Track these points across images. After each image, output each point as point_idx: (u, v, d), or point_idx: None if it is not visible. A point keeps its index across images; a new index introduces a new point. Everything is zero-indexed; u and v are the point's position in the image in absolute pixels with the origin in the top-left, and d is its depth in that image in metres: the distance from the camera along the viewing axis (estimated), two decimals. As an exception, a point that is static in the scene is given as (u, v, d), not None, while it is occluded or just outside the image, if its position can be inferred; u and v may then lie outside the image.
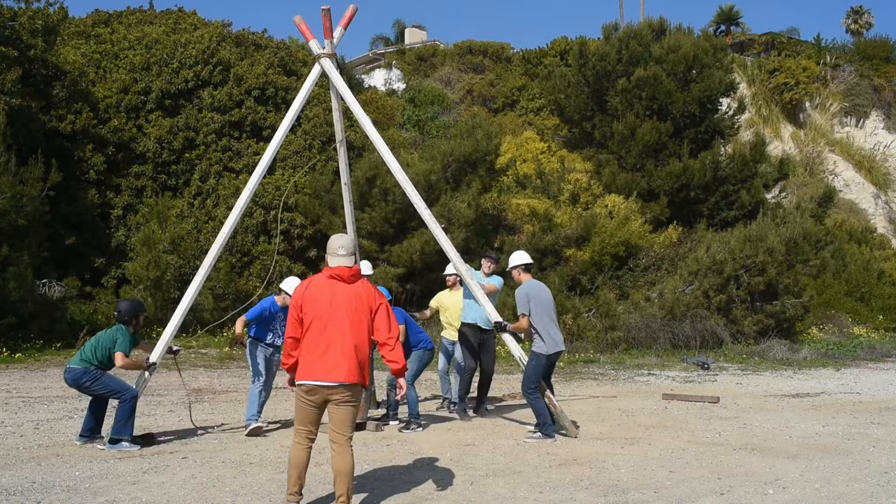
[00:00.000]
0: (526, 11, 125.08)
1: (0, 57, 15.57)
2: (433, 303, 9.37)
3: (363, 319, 4.83)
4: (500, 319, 7.89)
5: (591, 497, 5.40)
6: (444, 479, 5.80)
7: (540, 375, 7.42)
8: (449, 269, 9.10)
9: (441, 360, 9.29)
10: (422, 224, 17.16)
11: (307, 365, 4.75)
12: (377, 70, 36.66)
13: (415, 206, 8.10)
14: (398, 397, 5.18)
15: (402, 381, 5.04)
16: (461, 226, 16.80)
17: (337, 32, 8.37)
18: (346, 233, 8.75)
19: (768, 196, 22.25)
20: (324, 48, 8.30)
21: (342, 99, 8.56)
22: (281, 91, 19.87)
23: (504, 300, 11.18)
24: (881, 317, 21.13)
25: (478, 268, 9.10)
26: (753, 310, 16.19)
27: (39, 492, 5.32)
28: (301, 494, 4.84)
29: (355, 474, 5.84)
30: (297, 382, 4.80)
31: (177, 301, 17.57)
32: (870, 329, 20.15)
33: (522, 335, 8.18)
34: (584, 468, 6.23)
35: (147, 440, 6.95)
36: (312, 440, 4.86)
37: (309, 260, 18.36)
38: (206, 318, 16.25)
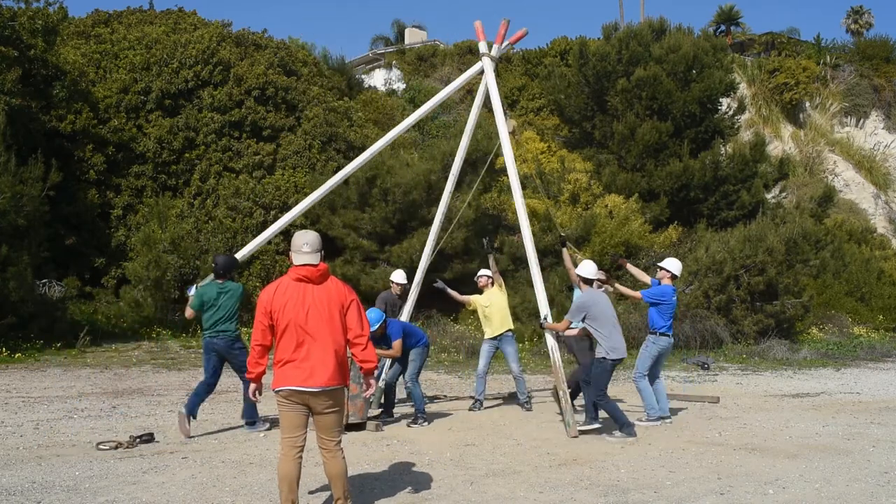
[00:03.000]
0: (526, 11, 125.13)
1: (0, 57, 15.57)
2: (472, 302, 9.78)
3: (337, 319, 4.65)
4: (545, 314, 7.98)
5: (591, 497, 5.40)
6: (444, 479, 5.80)
7: (607, 381, 7.55)
8: (481, 272, 9.67)
9: (481, 361, 9.45)
10: (422, 224, 17.22)
11: (286, 372, 4.58)
12: (377, 70, 36.64)
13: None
14: (366, 395, 5.05)
15: (372, 380, 4.91)
16: (461, 226, 16.79)
17: (504, 45, 9.25)
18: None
19: (768, 196, 22.26)
20: (491, 52, 9.02)
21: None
22: (281, 91, 19.86)
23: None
24: (881, 317, 21.13)
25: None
26: (753, 310, 16.19)
27: (39, 492, 5.31)
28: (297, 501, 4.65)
29: (355, 474, 5.85)
30: (276, 389, 4.60)
31: (177, 301, 17.66)
32: (870, 329, 20.15)
33: (561, 335, 8.25)
34: (584, 468, 6.23)
35: (147, 439, 6.96)
36: (301, 448, 4.63)
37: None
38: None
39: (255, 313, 4.69)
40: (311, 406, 4.61)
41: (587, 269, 7.90)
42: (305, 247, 4.69)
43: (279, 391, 4.59)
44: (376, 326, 7.86)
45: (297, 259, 4.70)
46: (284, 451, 4.60)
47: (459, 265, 16.76)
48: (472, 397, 9.48)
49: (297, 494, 4.60)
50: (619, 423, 7.42)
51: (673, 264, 8.63)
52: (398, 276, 9.93)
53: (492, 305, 9.41)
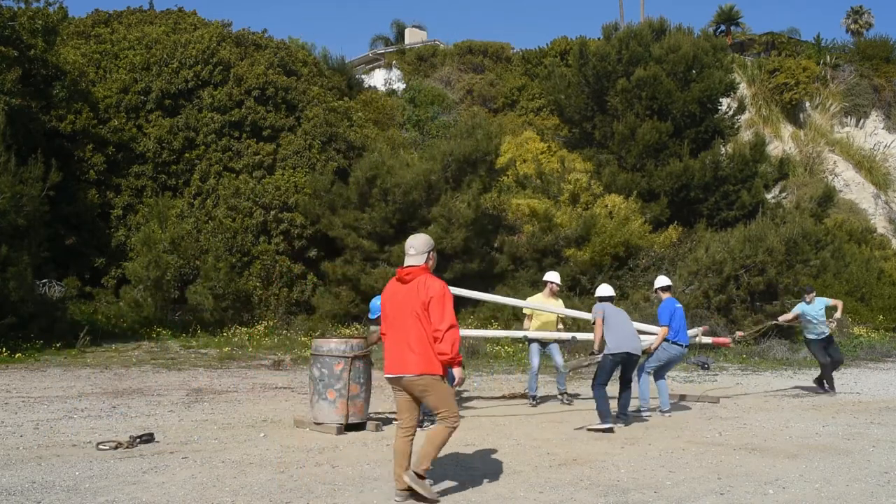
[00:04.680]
0: (526, 11, 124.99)
1: (0, 57, 15.56)
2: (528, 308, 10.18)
3: (420, 314, 5.11)
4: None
5: (591, 497, 5.40)
6: (444, 478, 5.79)
7: (608, 373, 8.29)
8: (549, 277, 10.13)
9: (534, 360, 9.86)
10: (422, 224, 17.22)
11: (385, 359, 5.29)
12: (377, 70, 36.61)
13: None
14: (456, 385, 5.40)
15: (456, 371, 5.21)
16: (461, 226, 16.79)
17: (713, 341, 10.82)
18: None
19: (768, 196, 22.24)
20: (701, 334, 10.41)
21: None
22: (281, 91, 19.86)
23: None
24: (881, 317, 21.10)
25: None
26: (753, 310, 16.18)
27: (39, 492, 5.31)
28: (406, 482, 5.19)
29: (356, 473, 5.85)
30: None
31: (177, 301, 17.66)
32: (870, 329, 20.12)
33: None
34: (584, 468, 6.23)
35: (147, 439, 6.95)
36: (408, 429, 5.25)
37: (309, 260, 18.35)
38: (206, 319, 16.27)
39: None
40: (407, 390, 5.22)
41: (604, 290, 8.83)
42: (411, 250, 5.30)
43: (386, 377, 5.33)
44: (377, 315, 7.84)
45: (405, 261, 5.33)
46: (396, 432, 5.31)
47: (459, 265, 16.76)
48: (523, 395, 10.07)
49: (403, 468, 5.18)
50: (601, 414, 7.93)
51: (659, 281, 9.73)
52: None
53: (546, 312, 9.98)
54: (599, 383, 8.21)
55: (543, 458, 6.60)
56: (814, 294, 11.40)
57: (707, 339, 10.39)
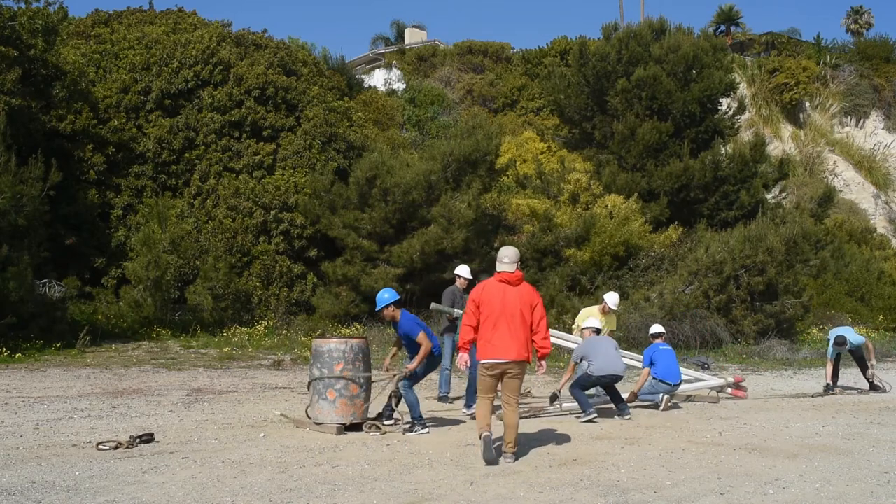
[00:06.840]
0: (526, 11, 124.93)
1: (0, 57, 15.56)
2: (579, 319, 10.63)
3: (525, 313, 6.30)
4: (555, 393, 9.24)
5: (591, 497, 5.40)
6: (444, 479, 5.79)
7: (588, 386, 8.90)
8: (608, 299, 10.49)
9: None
10: (422, 224, 17.22)
11: (487, 348, 6.27)
12: (377, 70, 36.61)
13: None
14: (539, 372, 6.67)
15: (543, 363, 6.56)
16: (461, 226, 16.78)
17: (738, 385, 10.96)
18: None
19: (768, 196, 22.25)
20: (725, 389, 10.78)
21: None
22: (281, 91, 19.84)
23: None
24: (881, 317, 21.09)
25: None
26: (753, 310, 16.18)
27: (39, 492, 5.31)
28: (491, 426, 6.34)
29: (356, 473, 5.86)
30: (480, 361, 6.34)
31: (177, 301, 17.63)
32: (870, 329, 20.11)
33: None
34: (584, 468, 6.23)
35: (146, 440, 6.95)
36: (492, 400, 6.45)
37: (309, 260, 18.34)
38: (206, 319, 16.27)
39: (467, 303, 6.50)
40: (504, 372, 6.30)
41: (592, 322, 9.66)
42: (505, 259, 6.44)
43: (482, 363, 6.35)
44: (382, 306, 7.76)
45: (499, 267, 6.45)
46: (480, 401, 6.46)
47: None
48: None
49: (490, 421, 6.38)
50: (581, 405, 8.62)
51: (652, 329, 10.58)
52: (464, 270, 10.30)
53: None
54: (577, 388, 8.81)
55: (543, 458, 6.60)
56: (846, 346, 11.65)
57: (728, 390, 10.56)
